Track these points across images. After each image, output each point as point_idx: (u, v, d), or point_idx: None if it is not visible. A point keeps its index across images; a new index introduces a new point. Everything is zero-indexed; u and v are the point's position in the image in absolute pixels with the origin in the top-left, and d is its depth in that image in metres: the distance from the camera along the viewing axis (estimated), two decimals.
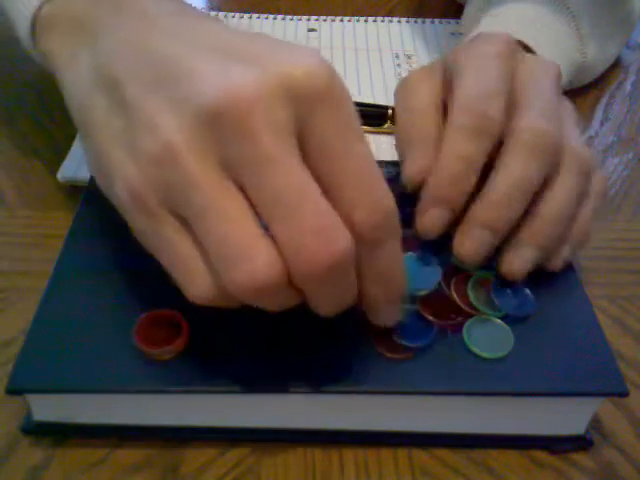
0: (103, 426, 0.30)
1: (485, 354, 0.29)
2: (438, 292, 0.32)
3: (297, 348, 0.29)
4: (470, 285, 0.32)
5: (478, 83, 0.33)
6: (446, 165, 0.31)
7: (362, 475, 0.30)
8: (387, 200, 0.25)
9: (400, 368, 0.29)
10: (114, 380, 0.28)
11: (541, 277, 0.34)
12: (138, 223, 0.26)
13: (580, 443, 0.31)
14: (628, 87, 0.56)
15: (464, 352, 0.30)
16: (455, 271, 0.33)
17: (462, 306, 0.31)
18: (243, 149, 0.23)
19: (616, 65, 0.58)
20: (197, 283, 0.25)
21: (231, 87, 0.23)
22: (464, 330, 0.30)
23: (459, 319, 0.31)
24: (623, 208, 0.45)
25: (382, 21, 0.62)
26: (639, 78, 0.58)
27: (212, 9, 0.63)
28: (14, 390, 0.28)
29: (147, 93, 0.25)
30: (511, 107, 0.33)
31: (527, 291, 0.32)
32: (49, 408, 0.29)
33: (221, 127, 0.23)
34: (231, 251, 0.23)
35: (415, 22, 0.62)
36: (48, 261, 0.33)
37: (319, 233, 0.23)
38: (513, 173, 0.31)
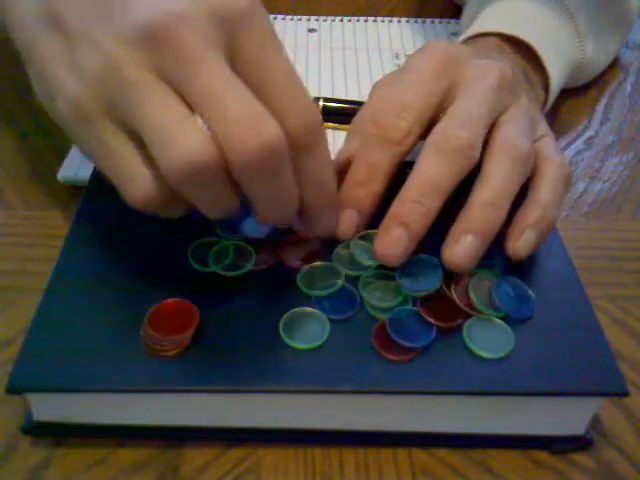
0: (103, 426, 0.30)
1: (485, 354, 0.29)
2: (439, 293, 0.32)
3: (297, 348, 0.29)
4: (471, 286, 0.32)
5: (391, 96, 0.36)
6: (354, 169, 0.34)
7: (362, 475, 0.30)
8: (314, 108, 0.28)
9: (400, 368, 0.29)
10: (114, 380, 0.28)
11: (541, 277, 0.34)
12: (81, 135, 0.28)
13: (580, 443, 0.31)
14: (628, 87, 0.56)
15: (464, 352, 0.30)
16: (456, 272, 0.33)
17: (463, 307, 0.31)
18: (174, 56, 0.26)
19: (616, 65, 0.58)
20: (137, 183, 0.27)
21: (164, 7, 0.26)
22: (464, 330, 0.30)
23: (459, 320, 0.31)
24: (623, 208, 0.45)
25: (382, 21, 0.62)
26: (639, 78, 0.58)
27: None
28: (14, 390, 0.28)
29: (86, 20, 0.28)
30: (441, 114, 0.35)
31: (530, 292, 0.32)
32: (49, 408, 0.29)
33: (155, 40, 0.26)
34: (165, 133, 0.26)
35: (415, 22, 0.62)
36: (48, 261, 0.33)
37: (246, 122, 0.25)
38: (422, 174, 0.32)
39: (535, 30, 0.46)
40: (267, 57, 0.28)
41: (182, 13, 0.26)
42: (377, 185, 0.33)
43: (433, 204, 0.31)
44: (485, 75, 0.35)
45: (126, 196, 0.28)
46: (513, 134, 0.34)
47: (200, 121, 0.26)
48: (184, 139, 0.25)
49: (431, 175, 0.32)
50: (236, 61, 0.27)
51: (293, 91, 0.28)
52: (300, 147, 0.28)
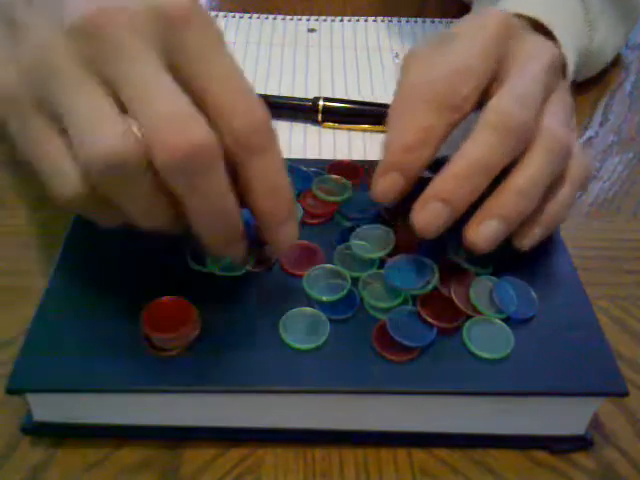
0: (103, 426, 0.30)
1: (485, 355, 0.29)
2: (439, 293, 0.32)
3: (297, 349, 0.29)
4: (472, 287, 0.32)
5: (449, 62, 0.34)
6: (405, 133, 0.33)
7: (362, 475, 0.30)
8: (261, 108, 0.27)
9: (400, 368, 0.29)
10: (114, 380, 0.28)
11: (541, 277, 0.34)
12: (11, 126, 0.28)
13: (580, 443, 0.31)
14: (628, 87, 0.56)
15: (464, 353, 0.30)
16: (457, 272, 0.33)
17: (464, 308, 0.31)
18: (107, 48, 0.26)
19: (616, 65, 0.58)
20: (60, 179, 0.27)
21: (100, 5, 0.26)
22: (464, 331, 0.30)
23: (460, 320, 0.31)
24: (623, 208, 0.45)
25: (382, 21, 0.62)
26: (639, 78, 0.58)
27: (212, 9, 0.63)
28: (14, 390, 0.28)
29: (31, 13, 0.28)
30: (494, 85, 0.34)
31: (532, 293, 0.32)
32: (49, 408, 0.29)
33: (89, 32, 0.26)
34: (86, 125, 0.25)
35: (415, 22, 0.62)
36: (48, 261, 0.33)
37: (172, 120, 0.25)
38: (473, 151, 0.31)
39: (551, 13, 0.44)
40: (208, 56, 0.27)
41: (118, 8, 0.26)
42: (429, 150, 0.32)
43: (481, 184, 0.31)
44: (540, 53, 0.35)
45: (51, 192, 0.27)
46: (556, 124, 0.33)
47: (131, 121, 0.26)
48: (103, 132, 0.25)
49: (483, 154, 0.31)
50: (177, 61, 0.27)
51: (236, 90, 0.27)
52: (246, 149, 0.27)
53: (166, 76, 0.26)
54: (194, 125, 0.25)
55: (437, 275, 0.32)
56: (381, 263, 0.33)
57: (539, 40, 0.36)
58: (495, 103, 0.32)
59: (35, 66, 0.27)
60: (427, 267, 0.32)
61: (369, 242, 0.33)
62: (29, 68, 0.27)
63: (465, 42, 0.35)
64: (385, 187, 0.33)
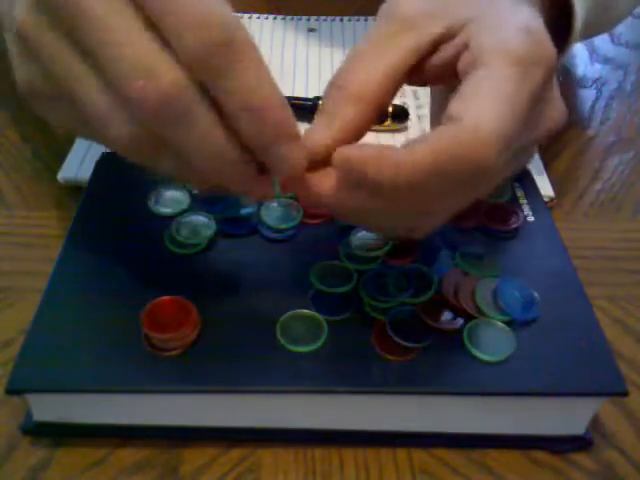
0: (103, 426, 0.30)
1: (486, 357, 0.29)
2: (440, 295, 0.32)
3: (295, 351, 0.29)
4: (477, 290, 0.32)
5: (507, 118, 0.24)
6: (408, 174, 0.24)
7: (362, 475, 0.30)
8: (218, 16, 0.22)
9: (400, 369, 0.29)
10: (114, 380, 0.28)
11: (541, 277, 0.34)
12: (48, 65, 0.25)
13: (580, 443, 0.31)
14: (628, 87, 0.56)
15: (465, 354, 0.30)
16: (461, 275, 0.33)
17: (468, 310, 0.31)
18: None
19: (616, 65, 0.58)
20: (113, 126, 0.24)
21: None
22: (465, 333, 0.30)
23: (460, 323, 0.31)
24: (623, 208, 0.45)
25: None
26: (639, 78, 0.58)
27: None
28: (14, 390, 0.28)
29: None
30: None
31: (534, 294, 0.32)
32: (49, 408, 0.29)
33: None
34: (137, 67, 0.23)
35: None
36: (48, 261, 0.33)
37: (136, 73, 0.22)
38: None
39: None
40: None
41: None
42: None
43: None
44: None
45: (105, 141, 0.26)
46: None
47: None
48: (155, 77, 0.23)
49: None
50: None
51: (185, 6, 0.22)
52: (208, 72, 0.23)
53: (123, 22, 0.23)
54: (156, 72, 0.23)
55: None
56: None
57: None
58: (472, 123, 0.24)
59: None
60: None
61: (368, 240, 0.33)
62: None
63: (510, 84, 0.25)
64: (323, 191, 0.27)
